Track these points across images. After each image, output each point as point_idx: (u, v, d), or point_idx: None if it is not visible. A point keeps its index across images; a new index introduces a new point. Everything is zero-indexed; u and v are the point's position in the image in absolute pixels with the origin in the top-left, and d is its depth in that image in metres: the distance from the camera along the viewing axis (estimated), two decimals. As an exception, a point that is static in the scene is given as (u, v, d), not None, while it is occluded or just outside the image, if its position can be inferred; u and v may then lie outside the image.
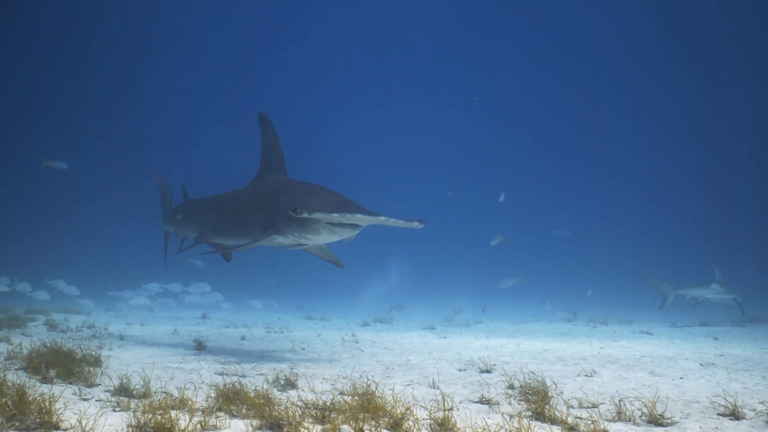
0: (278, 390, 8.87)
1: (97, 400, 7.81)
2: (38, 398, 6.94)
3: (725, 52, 74.88)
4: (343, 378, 10.25)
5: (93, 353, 10.83)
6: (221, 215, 14.39)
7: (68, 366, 9.45)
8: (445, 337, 19.09)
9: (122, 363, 11.54)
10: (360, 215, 10.68)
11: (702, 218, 77.84)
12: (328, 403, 7.49)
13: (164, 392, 8.32)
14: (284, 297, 39.00)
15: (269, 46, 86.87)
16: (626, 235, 75.00)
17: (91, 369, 9.71)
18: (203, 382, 9.37)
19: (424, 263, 58.89)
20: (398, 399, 7.60)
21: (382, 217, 10.56)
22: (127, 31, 75.01)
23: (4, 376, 8.05)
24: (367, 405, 7.11)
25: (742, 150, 79.01)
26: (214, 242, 14.71)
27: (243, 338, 17.55)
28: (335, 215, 10.68)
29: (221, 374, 10.44)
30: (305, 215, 10.70)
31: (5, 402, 6.85)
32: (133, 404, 7.50)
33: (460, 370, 11.61)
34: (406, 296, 40.00)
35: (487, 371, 11.34)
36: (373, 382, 8.94)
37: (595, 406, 8.28)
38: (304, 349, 15.13)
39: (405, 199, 78.32)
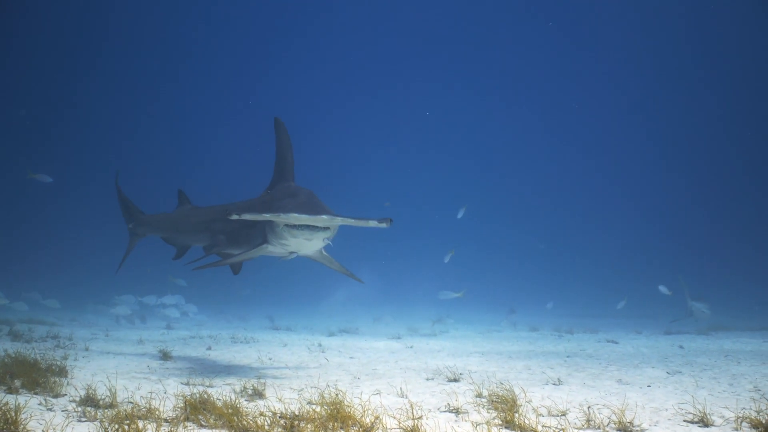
0: (246, 400, 8.85)
1: (63, 411, 7.76)
2: (3, 408, 6.89)
3: (723, 55, 75.50)
4: (311, 387, 10.23)
5: (58, 363, 10.77)
6: (234, 225, 14.04)
7: (33, 376, 9.38)
8: (411, 347, 19.08)
9: (88, 373, 11.45)
10: (296, 214, 10.34)
11: (681, 225, 78.40)
12: (296, 413, 7.50)
13: (130, 402, 8.28)
14: (252, 307, 38.75)
15: (272, 47, 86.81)
16: (594, 244, 75.32)
17: (57, 379, 9.64)
18: (170, 392, 9.32)
19: (390, 272, 58.78)
20: (367, 408, 7.62)
21: (324, 216, 10.34)
22: (127, 33, 74.69)
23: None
24: (336, 414, 7.11)
25: (721, 157, 79.93)
26: (225, 252, 14.18)
27: (209, 348, 17.47)
28: (266, 215, 10.37)
29: (188, 384, 10.38)
30: (234, 217, 10.40)
31: (-31, 413, 6.80)
32: (99, 414, 7.46)
33: (427, 379, 11.60)
34: (370, 306, 40.01)
35: (455, 380, 11.33)
36: (341, 391, 8.94)
37: (563, 414, 8.30)
38: (271, 359, 15.07)
39: (408, 200, 78.72)
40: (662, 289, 28.25)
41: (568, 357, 16.35)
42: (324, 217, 10.27)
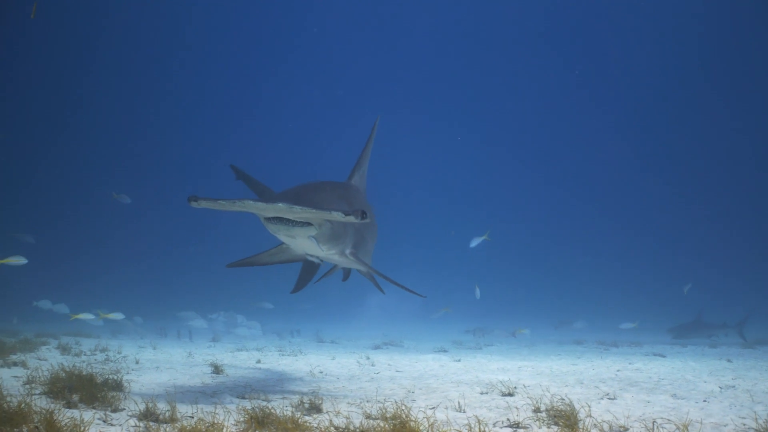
0: (304, 414, 8.79)
1: (124, 426, 7.77)
2: (69, 423, 6.93)
3: (724, 56, 75.24)
4: (367, 401, 10.20)
5: (113, 377, 10.74)
6: None
7: (91, 390, 9.37)
8: (459, 360, 18.99)
9: (142, 387, 11.50)
10: (251, 202, 9.15)
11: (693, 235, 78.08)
12: (360, 428, 7.45)
13: (191, 417, 8.31)
14: (294, 319, 38.75)
15: (275, 49, 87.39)
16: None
17: (114, 393, 9.64)
18: (228, 407, 9.32)
19: (429, 286, 58.71)
20: (432, 423, 7.57)
21: (280, 204, 9.16)
22: (128, 35, 75.14)
23: (32, 401, 8.03)
24: (401, 429, 7.05)
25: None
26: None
27: (258, 361, 17.51)
28: (222, 202, 9.11)
29: (244, 398, 10.38)
30: (194, 204, 9.11)
31: (35, 427, 6.84)
32: (162, 429, 7.49)
33: (482, 393, 11.49)
34: (408, 320, 40.03)
35: (510, 394, 11.22)
36: (406, 406, 8.90)
37: (625, 429, 8.20)
38: (321, 372, 15.10)
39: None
40: (686, 288, 28.59)
41: (618, 371, 16.19)
42: (280, 205, 9.16)
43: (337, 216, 9.20)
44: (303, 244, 10.37)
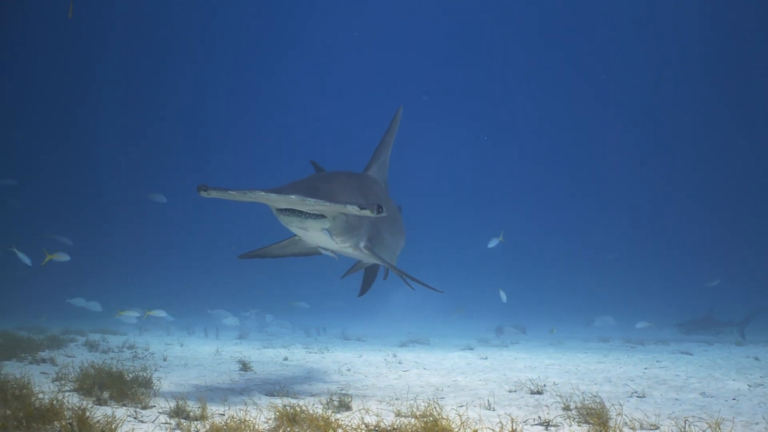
0: (333, 411, 8.80)
1: (156, 423, 7.82)
2: (101, 420, 6.96)
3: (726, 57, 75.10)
4: (396, 399, 10.22)
5: (143, 374, 10.79)
6: None
7: (121, 387, 9.42)
8: (486, 358, 18.99)
9: (171, 384, 11.54)
10: (263, 193, 8.79)
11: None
12: (392, 426, 7.43)
13: (222, 414, 8.34)
14: (324, 317, 38.72)
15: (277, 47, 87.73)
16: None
17: (144, 390, 9.69)
18: (258, 404, 9.34)
19: (451, 283, 58.69)
20: (464, 421, 7.56)
21: (293, 196, 8.81)
22: (127, 34, 75.34)
23: (63, 398, 8.07)
24: (434, 427, 7.02)
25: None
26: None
27: (285, 359, 17.55)
28: (232, 192, 8.78)
29: (272, 395, 10.40)
30: (203, 194, 8.81)
31: (68, 424, 6.87)
32: (193, 427, 7.49)
33: (510, 391, 11.51)
34: (432, 317, 40.05)
35: (539, 392, 11.22)
36: (437, 404, 8.90)
37: (656, 427, 8.17)
38: (349, 370, 15.13)
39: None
40: (713, 283, 28.75)
41: (645, 369, 16.16)
42: (292, 197, 8.82)
43: (352, 210, 8.93)
44: (316, 236, 9.99)
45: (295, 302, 29.07)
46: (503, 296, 25.74)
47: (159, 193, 27.54)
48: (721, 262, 66.21)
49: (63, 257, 20.05)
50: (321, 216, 9.29)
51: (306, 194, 8.86)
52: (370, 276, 14.20)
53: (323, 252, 11.00)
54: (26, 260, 23.37)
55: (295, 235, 10.49)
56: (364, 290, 14.25)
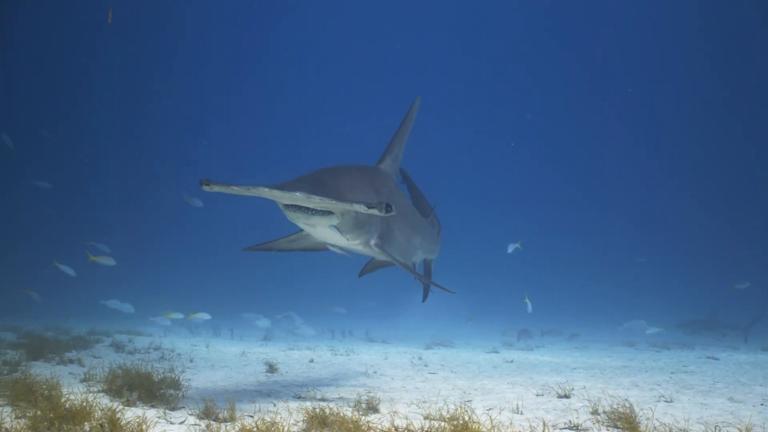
0: (362, 414, 8.79)
1: (186, 424, 7.85)
2: (132, 421, 7.00)
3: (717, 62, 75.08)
4: (424, 402, 10.19)
5: (171, 375, 10.73)
6: None
7: (149, 388, 9.47)
8: (512, 361, 18.98)
9: (198, 385, 11.59)
10: (267, 189, 8.50)
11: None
12: (420, 430, 7.42)
13: (250, 416, 8.36)
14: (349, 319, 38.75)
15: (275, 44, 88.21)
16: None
17: (172, 392, 9.73)
18: (284, 406, 9.35)
19: (474, 286, 58.75)
20: (495, 425, 7.55)
21: (297, 193, 8.51)
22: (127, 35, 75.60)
23: (93, 399, 8.12)
24: (464, 431, 7.04)
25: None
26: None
27: (311, 361, 17.59)
28: (234, 187, 8.41)
29: (300, 397, 10.42)
30: (206, 188, 8.43)
31: (99, 424, 6.91)
32: (223, 429, 7.52)
33: (537, 395, 11.48)
34: (456, 320, 40.01)
35: (566, 396, 11.18)
36: (468, 407, 8.91)
37: (685, 432, 8.18)
38: (375, 372, 15.14)
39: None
40: (742, 286, 28.72)
41: (672, 373, 16.09)
42: (297, 194, 8.54)
43: (360, 208, 8.61)
44: (324, 233, 9.71)
45: (333, 308, 29.09)
46: (529, 306, 25.80)
47: (195, 198, 27.66)
48: (727, 264, 66.42)
49: (109, 261, 20.23)
50: (329, 212, 9.06)
51: (311, 191, 8.63)
52: (374, 265, 13.66)
53: (332, 249, 10.81)
54: (70, 272, 23.56)
55: (303, 230, 10.20)
56: (365, 272, 13.73)
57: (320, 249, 11.62)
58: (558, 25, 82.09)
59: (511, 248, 25.46)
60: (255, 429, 7.18)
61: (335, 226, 9.29)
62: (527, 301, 25.05)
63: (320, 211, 8.95)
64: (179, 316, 21.61)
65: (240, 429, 7.21)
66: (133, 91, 77.80)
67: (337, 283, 53.11)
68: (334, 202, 8.61)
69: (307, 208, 8.92)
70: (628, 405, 9.04)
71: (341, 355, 19.73)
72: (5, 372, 11.68)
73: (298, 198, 8.58)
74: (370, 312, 40.07)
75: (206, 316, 21.92)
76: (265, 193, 8.53)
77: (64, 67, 72.55)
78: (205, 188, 8.30)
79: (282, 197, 8.64)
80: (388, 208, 8.44)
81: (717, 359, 20.93)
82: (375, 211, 8.46)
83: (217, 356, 18.20)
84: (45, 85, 71.93)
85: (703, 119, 79.66)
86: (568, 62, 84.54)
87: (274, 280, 66.09)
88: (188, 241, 71.93)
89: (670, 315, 36.79)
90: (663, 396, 11.55)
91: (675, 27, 75.34)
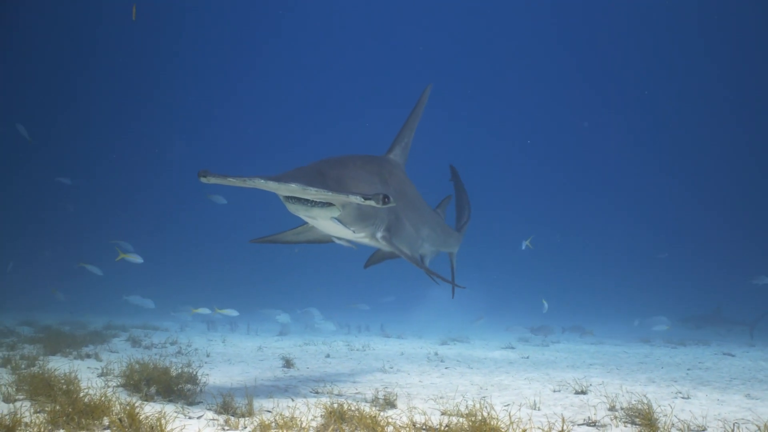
0: (379, 409, 8.82)
1: (204, 419, 7.90)
2: (151, 415, 7.02)
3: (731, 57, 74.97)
4: (441, 398, 10.21)
5: (188, 370, 10.73)
6: None
7: (167, 383, 9.51)
8: (527, 357, 18.96)
9: (216, 380, 11.62)
10: (262, 181, 8.18)
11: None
12: (439, 425, 7.44)
13: (268, 411, 8.39)
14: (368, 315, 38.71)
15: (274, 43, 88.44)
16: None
17: (190, 386, 9.77)
18: (302, 401, 9.38)
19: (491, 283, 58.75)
20: (513, 421, 7.55)
21: (293, 185, 8.22)
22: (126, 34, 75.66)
23: (111, 393, 8.16)
24: (483, 426, 7.00)
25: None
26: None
27: (327, 356, 17.62)
28: (230, 178, 8.13)
29: (317, 392, 10.45)
30: (203, 180, 8.19)
31: (119, 419, 6.94)
32: (241, 423, 7.57)
33: (554, 391, 11.47)
34: (471, 316, 39.96)
35: (583, 392, 11.18)
36: (487, 403, 8.92)
37: (703, 429, 8.16)
38: (392, 367, 15.14)
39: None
40: (761, 282, 28.92)
41: (689, 370, 16.06)
42: (293, 185, 8.22)
43: (356, 199, 8.29)
44: (326, 225, 9.40)
45: (356, 304, 29.09)
46: (545, 306, 25.88)
47: (219, 195, 27.72)
48: (728, 261, 66.50)
49: (136, 259, 20.27)
50: (329, 204, 8.76)
51: (307, 183, 8.34)
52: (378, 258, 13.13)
53: (337, 241, 10.57)
54: (97, 271, 23.66)
55: (307, 222, 9.90)
56: (370, 263, 13.16)
57: (327, 241, 11.36)
58: (567, 24, 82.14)
59: (523, 245, 25.62)
60: (273, 424, 7.21)
61: (337, 219, 9.05)
62: (544, 302, 25.14)
63: (320, 203, 8.70)
64: (205, 311, 21.66)
65: (259, 424, 7.21)
66: (141, 87, 78.13)
67: (353, 278, 53.20)
68: (330, 193, 8.35)
69: (307, 200, 8.65)
70: (646, 401, 9.03)
71: (357, 350, 19.74)
72: (23, 366, 11.74)
73: (293, 189, 8.32)
74: (386, 306, 40.00)
75: (233, 313, 21.98)
76: (261, 184, 8.26)
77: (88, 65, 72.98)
78: (203, 180, 8.10)
79: (278, 188, 8.36)
80: (385, 199, 8.19)
81: (733, 356, 20.87)
82: (372, 203, 8.21)
83: (233, 351, 18.24)
84: (65, 80, 72.48)
85: (709, 118, 79.62)
86: (588, 61, 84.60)
87: (290, 275, 66.18)
88: (205, 237, 72.14)
89: (672, 311, 36.69)
90: (680, 392, 11.54)
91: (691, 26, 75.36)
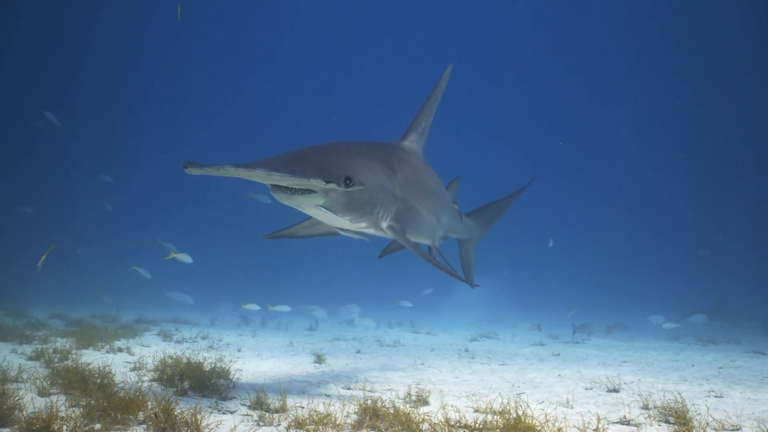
0: (412, 406, 8.83)
1: (238, 414, 7.93)
2: (185, 411, 7.05)
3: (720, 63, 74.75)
4: (473, 395, 10.20)
5: (220, 365, 10.75)
6: None
7: (201, 378, 9.56)
8: (558, 354, 18.88)
9: (248, 375, 11.66)
10: (232, 168, 7.86)
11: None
12: (474, 422, 7.42)
13: (301, 407, 8.40)
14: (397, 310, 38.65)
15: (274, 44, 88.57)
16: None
17: (222, 381, 9.80)
18: (339, 395, 9.41)
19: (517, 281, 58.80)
20: (548, 419, 7.54)
21: (259, 171, 7.89)
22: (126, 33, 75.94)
23: (146, 388, 8.20)
24: (517, 424, 7.00)
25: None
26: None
27: (358, 351, 17.67)
28: (207, 168, 7.83)
29: (349, 388, 10.47)
30: (188, 171, 7.88)
31: (154, 414, 6.97)
32: (275, 419, 7.58)
33: (586, 388, 11.42)
34: (498, 313, 39.94)
35: (615, 390, 11.13)
36: (522, 400, 8.91)
37: (738, 428, 8.10)
38: (423, 364, 15.12)
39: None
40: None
41: (720, 368, 15.96)
42: (258, 171, 7.89)
43: (317, 183, 8.05)
44: (317, 214, 8.89)
45: (399, 302, 29.10)
46: (572, 312, 26.10)
47: (261, 194, 27.86)
48: (729, 259, 66.40)
49: (186, 258, 20.31)
50: (310, 191, 8.38)
51: (272, 168, 8.00)
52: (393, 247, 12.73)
53: (341, 233, 10.16)
54: (146, 274, 23.82)
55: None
56: (385, 253, 12.85)
57: (334, 234, 10.81)
58: (568, 24, 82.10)
59: (550, 243, 25.93)
60: (308, 420, 7.23)
61: (324, 207, 8.60)
62: (573, 309, 25.30)
63: (300, 190, 8.35)
64: (255, 307, 21.70)
65: (293, 419, 7.24)
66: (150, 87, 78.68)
67: (387, 272, 53.38)
68: (292, 177, 7.98)
69: (287, 188, 8.34)
70: (680, 400, 9.00)
71: (388, 346, 19.76)
72: (56, 360, 11.80)
73: (259, 175, 7.98)
74: (424, 300, 40.05)
75: (286, 308, 22.09)
76: (232, 172, 7.93)
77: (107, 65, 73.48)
78: (186, 171, 7.80)
79: (247, 175, 8.04)
80: (347, 181, 8.06)
81: (764, 354, 20.72)
82: (333, 186, 8.04)
83: (264, 346, 18.31)
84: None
85: (709, 118, 79.47)
86: (591, 61, 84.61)
87: (320, 271, 66.55)
88: (243, 233, 72.47)
89: (674, 308, 36.69)
90: (713, 391, 11.48)
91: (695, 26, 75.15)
